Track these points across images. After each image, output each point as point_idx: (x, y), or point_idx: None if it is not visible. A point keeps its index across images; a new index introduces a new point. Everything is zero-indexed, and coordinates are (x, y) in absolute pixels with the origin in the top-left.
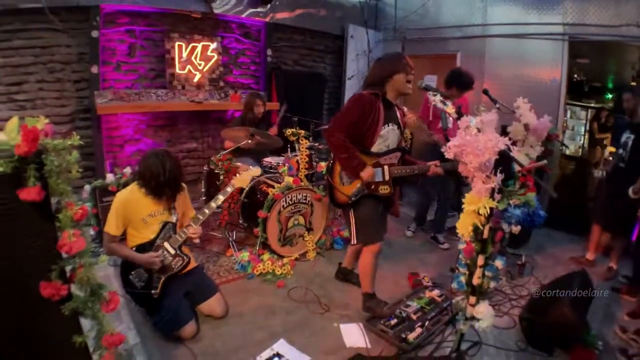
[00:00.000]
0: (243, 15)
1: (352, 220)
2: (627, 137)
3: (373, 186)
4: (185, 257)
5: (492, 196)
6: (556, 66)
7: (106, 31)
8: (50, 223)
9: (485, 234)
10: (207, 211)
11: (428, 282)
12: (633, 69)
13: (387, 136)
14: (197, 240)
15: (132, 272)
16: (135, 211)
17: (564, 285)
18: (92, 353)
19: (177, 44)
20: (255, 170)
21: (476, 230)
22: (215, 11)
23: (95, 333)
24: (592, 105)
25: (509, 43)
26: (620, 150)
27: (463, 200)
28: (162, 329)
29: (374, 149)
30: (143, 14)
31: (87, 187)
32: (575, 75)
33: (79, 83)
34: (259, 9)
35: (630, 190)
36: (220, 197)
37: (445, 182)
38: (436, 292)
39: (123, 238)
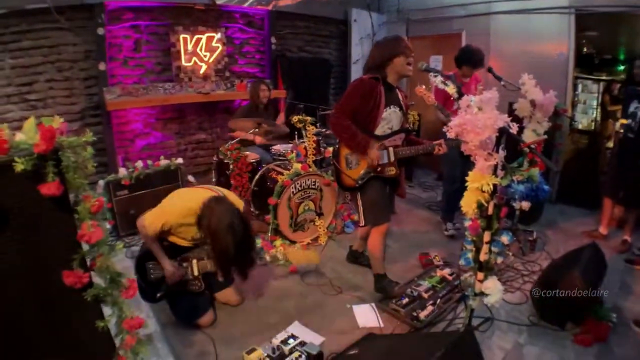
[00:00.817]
0: (246, 5)
1: (360, 203)
2: (636, 107)
3: (379, 168)
4: (201, 286)
5: (495, 173)
6: (563, 40)
7: (112, 28)
8: (69, 215)
9: (490, 211)
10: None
11: (439, 261)
12: None
13: (389, 118)
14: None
15: (152, 263)
16: (180, 231)
17: (575, 258)
18: (114, 337)
19: (181, 36)
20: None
21: (480, 207)
22: (218, 2)
23: (116, 318)
24: (604, 78)
25: (514, 19)
26: (629, 121)
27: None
28: (180, 317)
29: (378, 132)
30: (147, 9)
31: (101, 182)
32: (585, 49)
33: (88, 80)
34: None
35: None
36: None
37: (467, 167)
38: (447, 270)
39: None
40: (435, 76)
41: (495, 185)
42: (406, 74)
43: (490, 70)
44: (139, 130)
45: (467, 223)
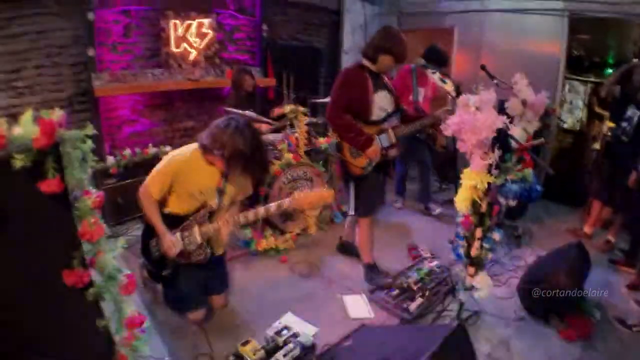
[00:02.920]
0: None
1: (353, 193)
2: (633, 112)
3: (384, 151)
4: (207, 253)
5: (489, 172)
6: (556, 42)
7: (101, 12)
8: (69, 212)
9: (483, 208)
10: (250, 216)
11: (427, 253)
12: (635, 45)
13: (381, 103)
14: (227, 238)
15: (154, 239)
16: (187, 182)
17: (561, 255)
18: (114, 334)
19: (172, 22)
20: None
21: (474, 204)
22: None
23: (116, 315)
24: (592, 79)
25: (508, 18)
26: (625, 124)
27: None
28: (171, 304)
29: (374, 117)
30: None
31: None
32: (575, 51)
33: (76, 66)
34: None
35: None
36: (272, 208)
37: (419, 152)
38: (435, 263)
39: None
40: (434, 73)
41: (489, 184)
42: (384, 72)
43: (483, 68)
44: (127, 117)
45: (460, 219)
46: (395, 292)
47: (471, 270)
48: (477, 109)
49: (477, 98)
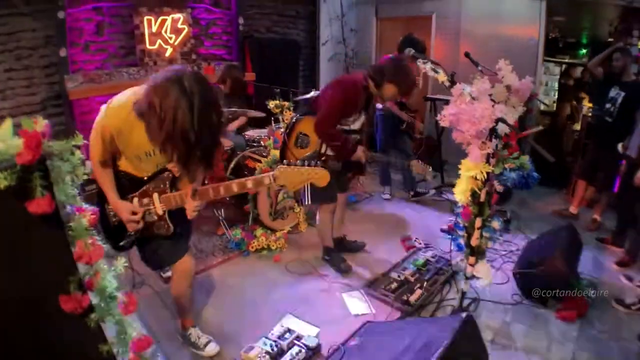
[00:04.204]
0: None
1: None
2: (617, 93)
3: (324, 157)
4: (169, 227)
5: (488, 161)
6: (534, 25)
7: (72, 11)
8: (61, 233)
9: (482, 198)
10: (221, 190)
11: (420, 244)
12: (610, 25)
13: (352, 122)
14: (193, 215)
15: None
16: (127, 144)
17: (553, 238)
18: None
19: (145, 18)
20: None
21: (474, 194)
22: None
23: (119, 337)
24: (567, 60)
25: (485, 3)
26: (608, 105)
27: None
28: (151, 264)
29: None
30: None
31: None
32: (551, 33)
33: (48, 68)
34: None
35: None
36: (249, 184)
37: (400, 141)
38: (430, 253)
39: None
40: (425, 63)
41: (488, 174)
42: (383, 100)
43: (467, 55)
44: None
45: (459, 210)
46: (394, 285)
47: (472, 259)
48: (473, 98)
49: (474, 88)
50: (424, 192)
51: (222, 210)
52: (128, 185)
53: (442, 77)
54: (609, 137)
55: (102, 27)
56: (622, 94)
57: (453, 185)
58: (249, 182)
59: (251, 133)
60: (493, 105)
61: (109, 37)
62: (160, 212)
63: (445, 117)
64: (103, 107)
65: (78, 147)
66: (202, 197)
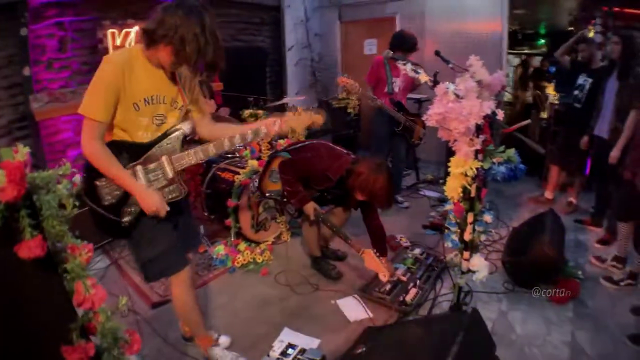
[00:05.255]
0: None
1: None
2: (585, 80)
3: (286, 200)
4: (183, 190)
5: (476, 157)
6: (497, 19)
7: (34, 27)
8: (55, 276)
9: (473, 193)
10: (225, 143)
11: (406, 242)
12: (570, 15)
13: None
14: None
15: (102, 179)
16: (129, 85)
17: (538, 225)
18: None
19: (109, 31)
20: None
21: (464, 190)
22: None
23: None
24: (526, 51)
25: (448, 1)
26: (576, 92)
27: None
28: (149, 271)
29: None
30: (71, 3)
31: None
32: (511, 26)
33: (12, 89)
34: None
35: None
36: (248, 135)
37: (395, 144)
38: (417, 250)
39: None
40: (405, 64)
41: (477, 169)
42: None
43: (438, 53)
44: (71, 139)
45: (450, 207)
46: (388, 286)
47: (466, 254)
48: (458, 97)
49: (460, 86)
50: (399, 201)
51: (202, 226)
52: (126, 155)
53: (423, 77)
54: (579, 123)
55: (65, 43)
56: (590, 80)
57: (428, 182)
58: (249, 134)
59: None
60: (481, 102)
61: (72, 53)
62: (170, 175)
63: (431, 116)
64: (100, 66)
65: (64, 176)
66: (218, 147)
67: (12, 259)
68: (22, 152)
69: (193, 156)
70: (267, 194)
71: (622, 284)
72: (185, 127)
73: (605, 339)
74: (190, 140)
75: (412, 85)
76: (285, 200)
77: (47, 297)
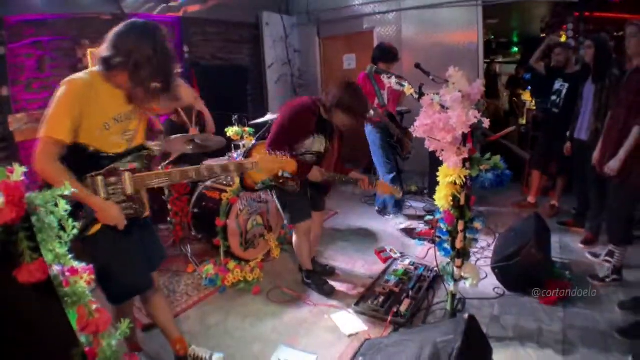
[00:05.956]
0: (155, 12)
1: (278, 202)
2: (561, 85)
3: (281, 180)
4: (139, 208)
5: (464, 166)
6: (473, 30)
7: (12, 46)
8: (55, 299)
9: (462, 201)
10: (203, 171)
11: (396, 253)
12: (542, 22)
13: (310, 144)
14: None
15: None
16: (96, 108)
17: (524, 230)
18: None
19: (89, 50)
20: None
21: (454, 198)
22: (126, 11)
23: None
24: (500, 60)
25: (423, 14)
26: (554, 97)
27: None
28: (110, 291)
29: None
30: (49, 23)
31: None
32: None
33: None
34: (171, 4)
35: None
36: (232, 168)
37: (389, 154)
38: (407, 261)
39: None
40: (389, 77)
41: (466, 177)
42: (339, 127)
43: (418, 66)
44: None
45: (440, 216)
46: (381, 299)
47: (458, 262)
48: (443, 107)
49: (447, 97)
50: (387, 214)
51: (189, 246)
52: (89, 163)
53: (408, 89)
54: (558, 127)
55: (43, 62)
56: (567, 85)
57: (412, 193)
58: (231, 166)
59: (209, 162)
60: (467, 112)
61: (52, 73)
62: (129, 192)
63: (418, 127)
64: (61, 87)
65: (64, 197)
66: (182, 177)
67: (10, 283)
68: (18, 171)
69: (155, 179)
70: (257, 187)
71: (607, 280)
72: (155, 148)
73: (596, 335)
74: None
75: (399, 97)
76: (281, 181)
77: (47, 322)
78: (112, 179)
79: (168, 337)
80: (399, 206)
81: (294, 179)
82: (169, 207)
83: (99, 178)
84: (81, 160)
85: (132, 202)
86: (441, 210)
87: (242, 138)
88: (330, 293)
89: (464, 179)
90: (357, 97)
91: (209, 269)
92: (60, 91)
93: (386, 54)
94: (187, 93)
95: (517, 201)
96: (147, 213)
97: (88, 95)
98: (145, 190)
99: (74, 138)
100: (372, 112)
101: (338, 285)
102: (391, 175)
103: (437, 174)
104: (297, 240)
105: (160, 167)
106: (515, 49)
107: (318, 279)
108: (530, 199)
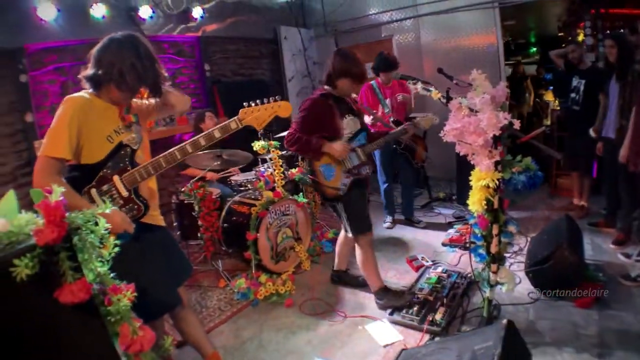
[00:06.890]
0: (174, 33)
1: (344, 214)
2: (578, 81)
3: (355, 170)
4: (140, 205)
5: (496, 168)
6: (491, 32)
7: (34, 73)
8: (97, 319)
9: (496, 205)
10: (188, 148)
11: (427, 261)
12: (559, 21)
13: (348, 127)
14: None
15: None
16: (96, 124)
17: (555, 232)
18: None
19: None
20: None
21: (487, 202)
22: (146, 33)
23: None
24: (520, 60)
25: (441, 19)
26: (573, 94)
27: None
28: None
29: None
30: (70, 48)
31: None
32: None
33: (14, 136)
34: (190, 24)
35: (591, 130)
36: (217, 133)
37: (400, 165)
38: (440, 269)
39: None
40: (415, 83)
41: (499, 180)
42: (348, 95)
43: (440, 71)
44: None
45: (473, 220)
46: (416, 308)
47: (494, 267)
48: (471, 110)
49: (475, 100)
50: (416, 221)
51: (220, 261)
52: (80, 177)
53: (435, 94)
54: (580, 125)
55: (66, 87)
56: (583, 81)
57: (440, 199)
58: (216, 132)
59: (237, 178)
60: (497, 114)
61: None
62: (124, 194)
63: (448, 132)
64: (62, 103)
65: (103, 215)
66: (168, 161)
67: (50, 305)
68: (57, 191)
69: (143, 172)
70: (341, 190)
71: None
72: (132, 143)
73: (632, 337)
74: None
75: (405, 105)
76: (355, 172)
77: (89, 342)
78: (105, 187)
79: (203, 354)
80: (390, 208)
81: (364, 163)
82: (199, 222)
83: (93, 190)
84: (72, 178)
85: (132, 202)
86: (475, 215)
87: (268, 152)
88: (408, 302)
89: (497, 182)
90: (347, 58)
91: (241, 282)
92: (60, 109)
93: (383, 63)
94: (181, 100)
95: (565, 206)
96: (162, 223)
97: (86, 110)
98: (147, 186)
99: (77, 157)
100: (372, 120)
101: (370, 296)
102: (384, 186)
103: (470, 178)
104: (362, 255)
105: (189, 185)
106: (534, 49)
107: (394, 294)
108: (576, 201)
